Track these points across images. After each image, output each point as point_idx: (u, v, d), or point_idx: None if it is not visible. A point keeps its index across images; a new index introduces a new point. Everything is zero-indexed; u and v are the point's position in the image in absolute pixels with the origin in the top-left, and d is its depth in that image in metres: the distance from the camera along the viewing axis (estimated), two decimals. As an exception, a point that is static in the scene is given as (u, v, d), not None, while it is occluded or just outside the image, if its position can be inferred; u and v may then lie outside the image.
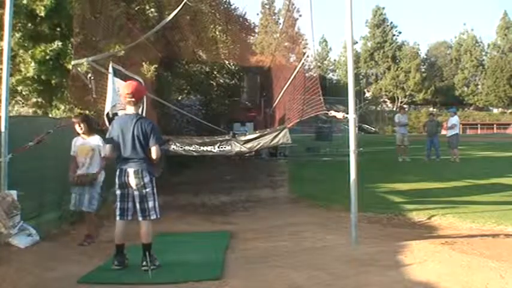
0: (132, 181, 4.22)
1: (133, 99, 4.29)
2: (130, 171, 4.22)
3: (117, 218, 4.37)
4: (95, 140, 5.69)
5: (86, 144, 5.68)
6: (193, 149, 7.43)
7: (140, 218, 4.28)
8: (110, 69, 6.99)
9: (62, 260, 4.65)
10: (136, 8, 8.59)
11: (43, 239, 5.23)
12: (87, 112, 7.65)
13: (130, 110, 4.34)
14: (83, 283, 3.93)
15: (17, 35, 7.13)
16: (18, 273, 4.05)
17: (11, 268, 4.17)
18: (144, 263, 4.20)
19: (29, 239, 5.01)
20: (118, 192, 4.35)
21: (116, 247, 4.38)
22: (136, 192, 4.25)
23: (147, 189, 4.25)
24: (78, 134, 5.74)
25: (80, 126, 5.65)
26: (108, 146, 4.42)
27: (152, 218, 4.28)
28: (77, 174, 5.63)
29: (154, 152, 4.24)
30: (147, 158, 4.26)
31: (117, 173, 4.31)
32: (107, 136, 4.45)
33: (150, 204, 4.26)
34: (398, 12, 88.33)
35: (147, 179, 4.24)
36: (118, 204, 4.37)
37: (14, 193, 4.99)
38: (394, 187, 9.49)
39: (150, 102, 9.72)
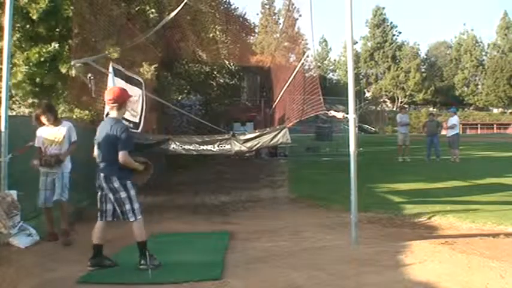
0: (103, 185, 4.26)
1: (116, 105, 4.37)
2: (101, 175, 4.27)
3: (98, 218, 4.41)
4: (66, 126, 5.54)
5: (57, 133, 5.48)
6: (193, 148, 7.43)
7: (123, 220, 4.32)
8: (110, 69, 6.99)
9: (62, 260, 4.65)
10: (136, 9, 8.59)
11: (43, 239, 5.23)
12: (86, 112, 7.67)
13: (113, 114, 4.42)
14: (83, 283, 3.93)
15: (17, 35, 7.13)
16: (18, 273, 4.05)
17: (11, 268, 4.17)
18: (142, 262, 4.21)
19: (29, 239, 5.01)
20: (98, 193, 4.36)
21: (93, 247, 4.36)
22: (111, 196, 4.26)
23: (120, 193, 4.24)
24: (42, 125, 5.45)
25: (46, 117, 5.38)
26: (95, 148, 4.48)
27: (131, 220, 4.27)
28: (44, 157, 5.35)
29: (121, 157, 4.21)
30: (119, 163, 4.24)
31: (96, 175, 4.35)
32: (95, 138, 4.50)
33: (127, 207, 4.24)
34: (398, 12, 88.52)
35: (117, 184, 4.23)
36: (98, 205, 4.39)
37: (14, 193, 4.99)
38: (394, 187, 9.48)
39: (150, 102, 9.74)
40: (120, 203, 4.24)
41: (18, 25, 7.07)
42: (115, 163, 4.23)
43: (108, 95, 4.46)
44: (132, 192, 4.29)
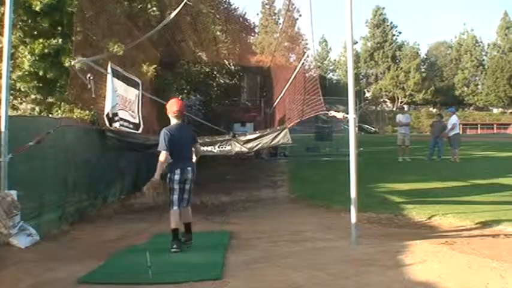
0: (190, 177, 5.18)
1: (180, 115, 5.21)
2: (190, 169, 5.14)
3: (173, 207, 5.16)
4: None
5: None
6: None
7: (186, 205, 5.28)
8: (109, 69, 7.00)
9: (62, 260, 4.64)
10: (138, 7, 8.59)
11: (43, 239, 5.22)
12: (87, 112, 7.66)
13: (179, 120, 5.21)
14: (83, 283, 3.92)
15: (19, 33, 7.11)
16: (18, 273, 4.05)
17: (11, 268, 4.17)
18: (174, 245, 4.91)
19: (29, 239, 5.00)
20: (178, 186, 5.16)
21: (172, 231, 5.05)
22: (189, 186, 5.22)
23: (192, 184, 5.22)
24: None
25: None
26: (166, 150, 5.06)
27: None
28: None
29: (201, 151, 5.52)
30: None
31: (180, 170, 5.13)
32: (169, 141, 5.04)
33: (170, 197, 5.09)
34: (398, 12, 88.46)
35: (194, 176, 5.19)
36: (177, 195, 5.17)
37: (14, 193, 4.98)
38: (394, 187, 9.47)
39: (150, 102, 9.74)
40: (191, 191, 5.22)
41: (20, 21, 7.04)
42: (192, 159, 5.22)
43: (174, 107, 5.15)
44: (171, 185, 5.06)
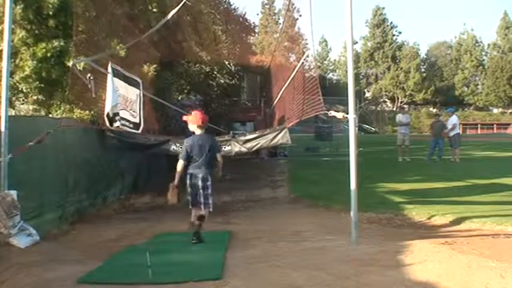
0: (200, 183, 5.47)
1: (203, 126, 5.56)
2: (201, 175, 5.47)
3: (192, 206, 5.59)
4: None
5: None
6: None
7: (203, 209, 5.50)
8: (109, 69, 7.00)
9: (62, 260, 4.64)
10: (139, 8, 8.59)
11: (43, 239, 5.23)
12: (87, 112, 7.66)
13: (202, 131, 5.54)
14: (83, 283, 3.92)
15: (23, 33, 7.10)
16: (18, 273, 4.05)
17: (11, 268, 4.17)
18: (194, 238, 5.25)
19: (29, 239, 5.00)
20: (190, 189, 5.53)
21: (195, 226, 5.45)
22: (202, 190, 5.49)
23: (210, 189, 5.52)
24: None
25: None
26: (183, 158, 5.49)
27: (210, 210, 5.54)
28: None
29: (221, 157, 5.75)
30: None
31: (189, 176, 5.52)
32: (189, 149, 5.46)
33: (211, 200, 5.51)
34: (398, 12, 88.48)
35: (210, 182, 5.52)
36: (191, 197, 5.54)
37: (14, 193, 4.98)
38: (394, 187, 9.48)
39: (151, 102, 9.74)
40: (208, 195, 5.44)
41: (21, 20, 7.02)
42: (213, 166, 5.55)
43: (196, 120, 5.51)
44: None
